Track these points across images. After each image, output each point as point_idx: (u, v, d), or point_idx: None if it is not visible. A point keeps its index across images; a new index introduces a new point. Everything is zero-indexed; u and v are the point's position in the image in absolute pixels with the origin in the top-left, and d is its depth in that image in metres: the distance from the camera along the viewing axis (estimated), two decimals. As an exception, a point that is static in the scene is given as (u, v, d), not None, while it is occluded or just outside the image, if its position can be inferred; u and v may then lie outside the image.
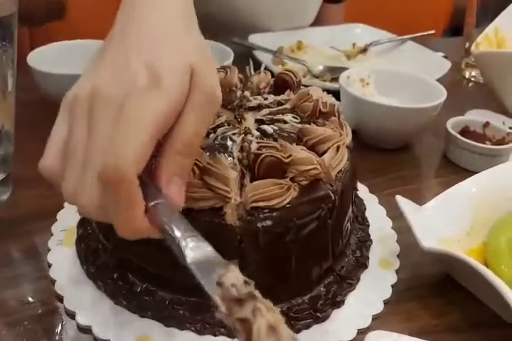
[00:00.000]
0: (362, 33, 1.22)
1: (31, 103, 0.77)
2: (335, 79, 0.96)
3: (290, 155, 0.46)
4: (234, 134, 0.52)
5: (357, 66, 1.01)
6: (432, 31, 1.22)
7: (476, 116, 0.82)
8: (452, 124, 0.77)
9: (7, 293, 0.49)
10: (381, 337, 0.41)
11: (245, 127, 0.54)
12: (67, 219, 0.58)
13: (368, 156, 0.73)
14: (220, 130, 0.52)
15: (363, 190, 0.66)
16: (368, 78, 0.83)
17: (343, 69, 0.94)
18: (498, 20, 0.97)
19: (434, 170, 0.77)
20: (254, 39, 1.10)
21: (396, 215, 0.62)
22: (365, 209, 0.62)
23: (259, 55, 1.04)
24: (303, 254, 0.47)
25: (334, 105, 0.56)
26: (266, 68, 0.97)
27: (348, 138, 0.53)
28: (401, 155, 0.78)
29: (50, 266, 0.52)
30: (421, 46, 1.13)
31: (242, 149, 0.50)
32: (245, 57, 1.01)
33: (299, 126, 0.53)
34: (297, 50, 1.14)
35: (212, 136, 0.51)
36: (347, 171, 0.51)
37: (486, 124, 0.78)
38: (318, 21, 1.35)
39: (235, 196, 0.44)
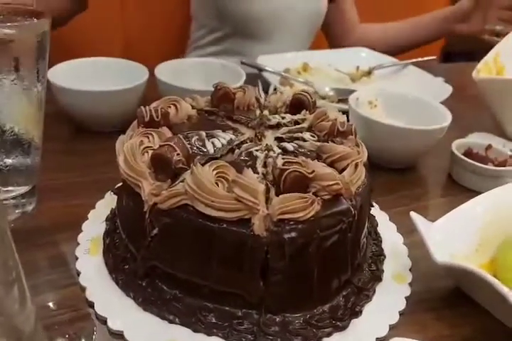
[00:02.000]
0: (366, 56, 1.26)
1: (50, 116, 0.80)
2: (341, 101, 1.00)
3: (313, 171, 0.49)
4: (257, 150, 0.55)
5: (361, 88, 1.05)
6: (434, 57, 1.27)
7: (477, 139, 0.86)
8: (456, 146, 0.81)
9: (36, 299, 0.51)
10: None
11: (267, 144, 0.57)
12: (92, 229, 0.60)
13: (377, 175, 0.76)
14: (243, 146, 0.55)
15: (373, 207, 0.68)
16: (376, 100, 0.87)
17: (348, 91, 0.97)
18: (498, 48, 1.02)
19: (440, 189, 0.80)
20: (263, 60, 1.14)
21: (406, 231, 0.65)
22: (377, 225, 0.65)
23: (267, 76, 1.07)
24: (324, 265, 0.50)
25: (351, 125, 0.59)
26: (275, 89, 1.01)
27: (365, 156, 0.56)
28: (408, 174, 0.81)
29: (79, 273, 0.54)
30: (422, 71, 1.18)
31: (265, 165, 0.53)
32: (254, 78, 1.05)
33: (318, 144, 0.56)
34: (303, 71, 1.18)
35: (237, 151, 0.54)
36: (365, 187, 0.54)
37: (489, 147, 0.81)
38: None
39: (263, 208, 0.46)
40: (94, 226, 0.60)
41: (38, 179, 0.65)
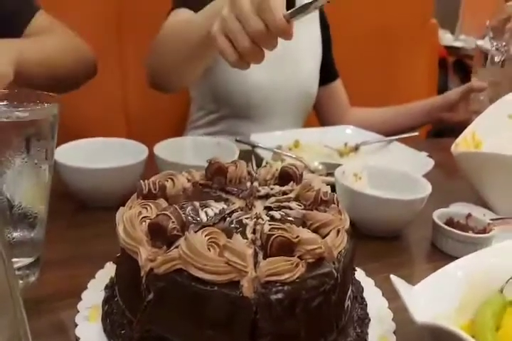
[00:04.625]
0: (352, 133, 1.34)
1: (54, 192, 0.84)
2: (330, 174, 1.06)
3: (298, 236, 0.53)
4: (247, 218, 0.59)
5: (348, 163, 1.11)
6: (416, 133, 1.34)
7: (458, 209, 0.90)
8: (438, 215, 0.85)
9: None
10: None
11: (256, 212, 0.61)
12: (92, 298, 0.63)
13: (362, 244, 0.79)
14: (234, 215, 0.60)
15: (359, 274, 0.72)
16: (361, 173, 0.93)
17: (336, 165, 1.03)
18: (474, 125, 1.09)
19: (423, 256, 0.84)
20: (256, 138, 1.21)
21: (391, 296, 0.68)
22: (362, 290, 0.68)
23: (260, 151, 1.14)
24: (311, 326, 0.53)
25: (334, 194, 0.64)
26: (266, 163, 1.07)
27: (347, 223, 0.61)
28: (393, 243, 0.85)
29: (78, 339, 0.56)
30: (406, 146, 1.25)
31: (254, 231, 0.57)
32: (248, 154, 1.11)
33: (303, 212, 0.61)
34: (294, 148, 1.25)
35: (228, 219, 0.59)
36: (347, 252, 0.58)
37: (469, 216, 0.86)
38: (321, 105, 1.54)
39: (251, 270, 0.50)
40: (93, 295, 0.63)
41: (42, 251, 0.69)
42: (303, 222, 0.59)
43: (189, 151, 1.02)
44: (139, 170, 0.90)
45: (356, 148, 1.26)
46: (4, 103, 0.64)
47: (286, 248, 0.53)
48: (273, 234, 0.52)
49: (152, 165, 0.93)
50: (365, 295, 0.67)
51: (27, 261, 0.67)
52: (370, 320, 0.62)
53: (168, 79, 1.15)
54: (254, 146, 1.17)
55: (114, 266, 0.67)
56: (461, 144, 1.04)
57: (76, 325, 0.58)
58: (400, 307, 0.65)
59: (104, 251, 0.72)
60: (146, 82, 1.19)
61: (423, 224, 0.88)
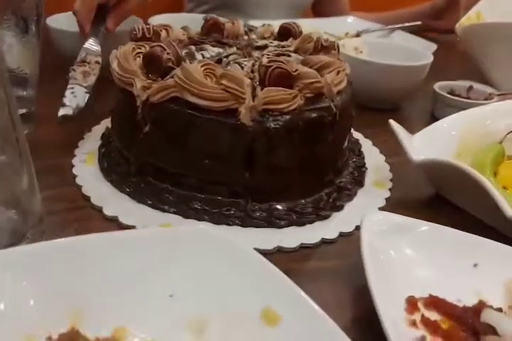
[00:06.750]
0: (353, 23, 1.29)
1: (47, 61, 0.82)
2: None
3: (297, 70, 0.52)
4: (244, 61, 0.58)
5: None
6: (419, 22, 1.30)
7: (460, 82, 0.89)
8: (439, 87, 0.84)
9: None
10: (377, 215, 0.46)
11: (254, 56, 0.60)
12: (88, 146, 0.63)
13: (360, 114, 0.79)
14: (231, 57, 0.58)
15: (357, 135, 0.72)
16: (362, 47, 0.90)
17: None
18: (480, 5, 1.05)
19: (423, 125, 0.83)
20: (253, 24, 1.17)
21: (388, 154, 0.68)
22: (360, 146, 0.67)
23: (258, 36, 1.10)
24: (306, 161, 0.52)
25: (335, 41, 0.62)
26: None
27: (347, 68, 0.59)
28: (392, 114, 0.83)
29: (74, 177, 0.56)
30: (409, 34, 1.21)
31: (252, 71, 0.56)
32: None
33: (302, 57, 0.59)
34: (293, 35, 1.21)
35: (225, 60, 0.57)
36: (346, 94, 0.56)
37: (470, 88, 0.85)
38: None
39: (249, 99, 0.49)
40: (90, 143, 0.63)
41: (35, 107, 0.67)
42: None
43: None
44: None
45: (357, 36, 1.22)
46: None
47: (285, 80, 0.51)
48: (271, 66, 0.51)
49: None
50: (362, 150, 0.67)
51: (19, 111, 0.65)
52: (367, 168, 0.62)
53: None
54: (251, 30, 1.13)
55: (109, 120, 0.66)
56: (465, 22, 1.00)
57: (73, 166, 0.58)
58: (398, 162, 0.66)
59: (99, 109, 0.71)
60: None
61: (424, 99, 0.87)
